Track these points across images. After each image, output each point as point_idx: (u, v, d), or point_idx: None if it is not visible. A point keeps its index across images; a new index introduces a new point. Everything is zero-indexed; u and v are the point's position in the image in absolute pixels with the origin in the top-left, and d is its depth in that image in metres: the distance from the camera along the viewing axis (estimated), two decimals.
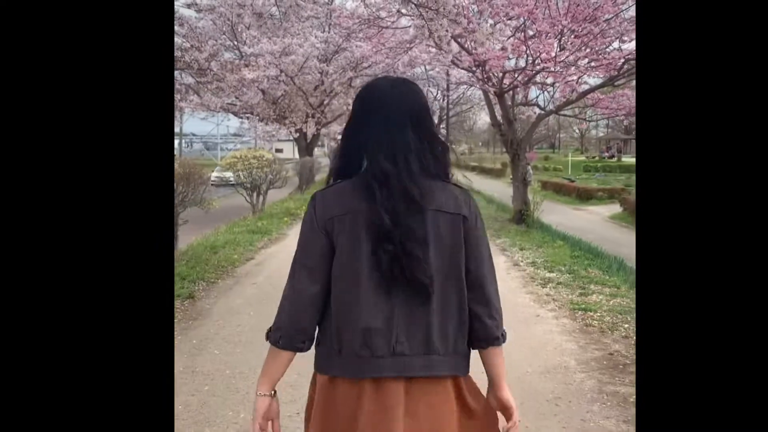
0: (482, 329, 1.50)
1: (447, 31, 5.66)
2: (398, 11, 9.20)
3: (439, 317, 1.43)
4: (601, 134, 74.93)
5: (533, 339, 4.53)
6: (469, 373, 1.53)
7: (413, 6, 5.56)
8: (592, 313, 5.09)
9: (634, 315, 4.95)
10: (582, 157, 60.64)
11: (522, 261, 7.44)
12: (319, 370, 1.50)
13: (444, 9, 5.48)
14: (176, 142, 57.50)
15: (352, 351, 1.40)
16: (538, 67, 8.72)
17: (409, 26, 9.82)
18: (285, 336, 1.48)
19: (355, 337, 1.40)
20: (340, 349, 1.42)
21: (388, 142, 1.41)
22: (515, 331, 4.70)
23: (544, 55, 8.28)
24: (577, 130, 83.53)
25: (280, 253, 8.08)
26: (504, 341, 1.57)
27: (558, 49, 8.40)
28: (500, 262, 7.44)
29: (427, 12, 5.57)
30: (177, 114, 21.27)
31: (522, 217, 10.96)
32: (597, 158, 55.51)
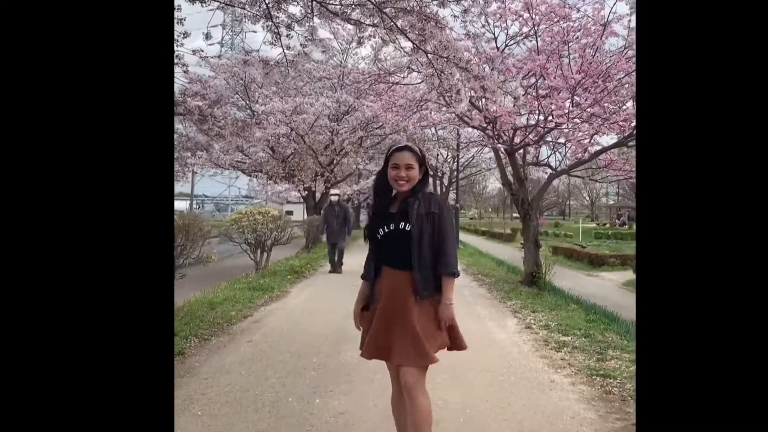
0: None
1: (458, 79, 5.47)
2: (408, 67, 9.12)
3: None
4: (611, 202, 74.82)
5: (548, 406, 4.11)
6: None
7: (423, 54, 5.38)
8: (611, 380, 4.67)
9: None
10: (592, 225, 60.21)
11: (534, 324, 7.02)
12: None
13: (454, 56, 5.30)
14: (186, 203, 58.09)
15: None
16: (550, 125, 8.51)
17: (420, 82, 9.73)
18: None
19: None
20: None
21: None
22: (529, 397, 4.28)
23: (556, 111, 8.09)
24: (587, 198, 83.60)
25: (280, 311, 7.71)
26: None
27: (570, 106, 8.22)
28: (512, 325, 7.04)
29: (437, 60, 5.39)
30: (189, 174, 21.25)
31: (533, 279, 10.56)
32: (608, 226, 55.08)
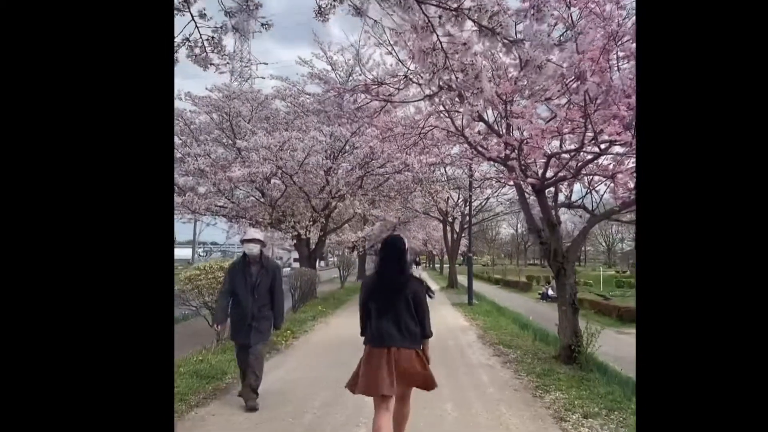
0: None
1: (477, 51, 3.18)
2: (405, 76, 6.87)
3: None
4: (627, 248, 71.74)
5: None
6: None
7: (417, 10, 3.11)
8: None
9: None
10: (611, 272, 57.48)
11: None
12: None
13: (469, 8, 3.03)
14: (189, 250, 55.98)
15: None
16: (603, 146, 6.16)
17: (419, 99, 7.47)
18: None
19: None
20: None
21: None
22: None
23: (609, 129, 5.72)
24: (603, 243, 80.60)
25: (214, 419, 5.26)
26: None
27: (629, 118, 5.84)
28: None
29: (440, 16, 3.11)
30: (190, 220, 18.81)
31: (572, 354, 8.07)
32: (628, 273, 52.30)
